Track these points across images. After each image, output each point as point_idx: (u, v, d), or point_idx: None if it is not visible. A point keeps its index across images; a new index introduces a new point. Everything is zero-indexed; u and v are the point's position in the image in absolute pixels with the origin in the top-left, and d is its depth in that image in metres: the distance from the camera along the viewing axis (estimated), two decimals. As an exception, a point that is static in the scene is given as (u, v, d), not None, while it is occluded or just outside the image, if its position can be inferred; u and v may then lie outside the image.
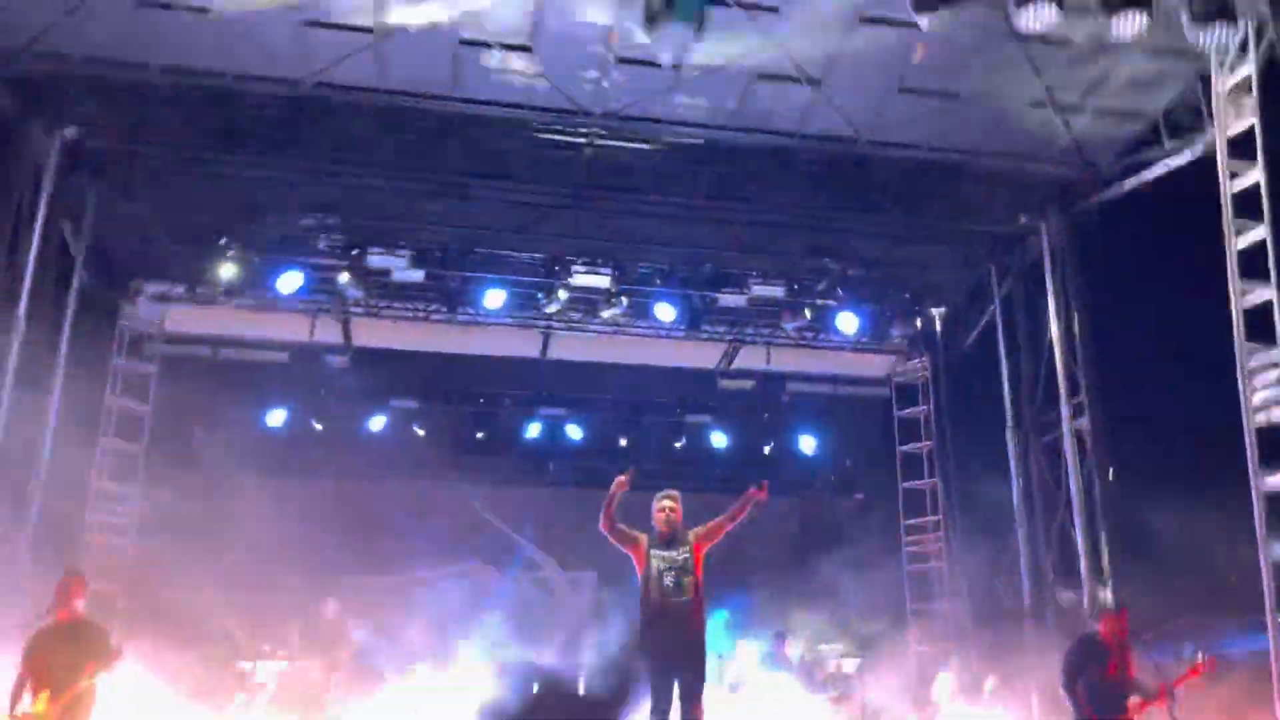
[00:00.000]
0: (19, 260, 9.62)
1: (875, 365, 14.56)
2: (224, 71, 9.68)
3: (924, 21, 7.85)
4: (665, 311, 12.27)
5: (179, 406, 13.06)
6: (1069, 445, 11.01)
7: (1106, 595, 10.27)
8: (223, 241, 11.29)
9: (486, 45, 9.35)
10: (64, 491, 10.40)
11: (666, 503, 6.79)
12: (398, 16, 9.00)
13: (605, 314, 12.30)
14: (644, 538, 6.68)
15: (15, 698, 6.90)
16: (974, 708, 10.49)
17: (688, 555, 6.60)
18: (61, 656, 6.88)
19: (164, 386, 12.80)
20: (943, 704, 10.71)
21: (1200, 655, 7.58)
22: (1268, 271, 8.37)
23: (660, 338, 13.15)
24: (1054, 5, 7.50)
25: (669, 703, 6.40)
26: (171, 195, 11.19)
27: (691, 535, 6.68)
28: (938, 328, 13.61)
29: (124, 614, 11.56)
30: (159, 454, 12.63)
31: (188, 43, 9.36)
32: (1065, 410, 11.16)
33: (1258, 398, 8.39)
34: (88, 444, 11.33)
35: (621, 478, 6.68)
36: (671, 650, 6.45)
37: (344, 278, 11.46)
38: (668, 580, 6.51)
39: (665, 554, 6.58)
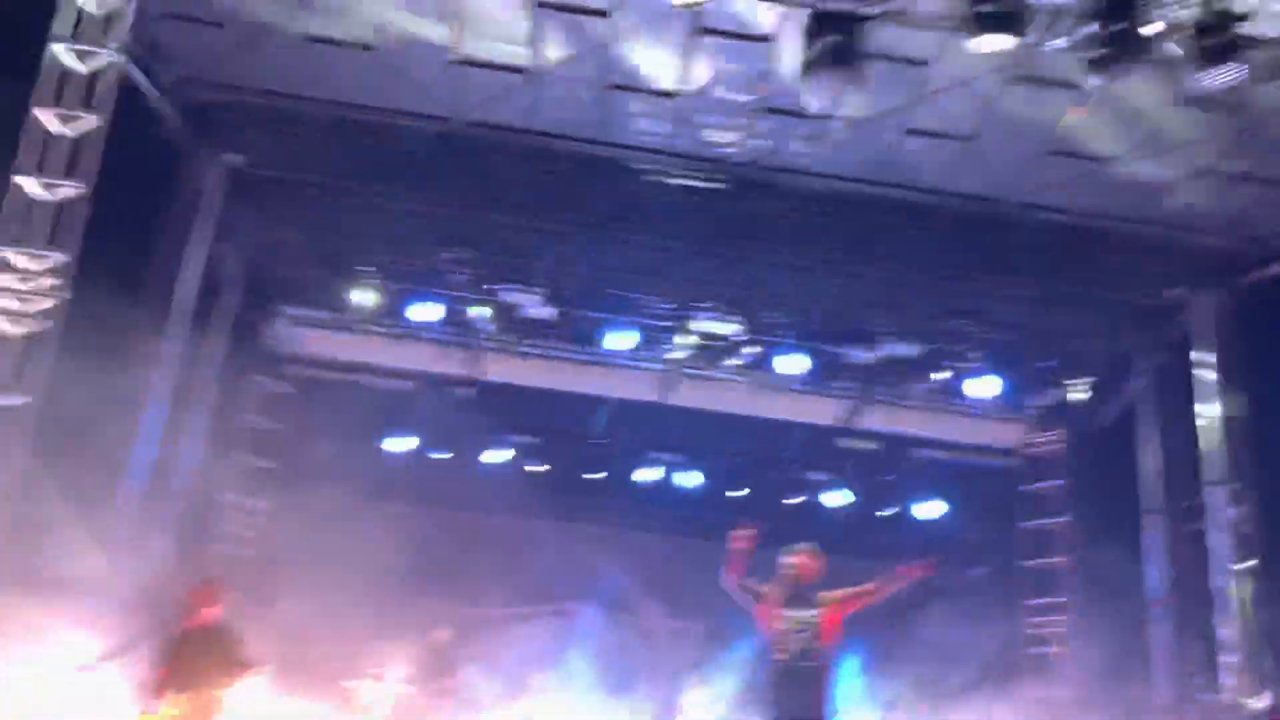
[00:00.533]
0: (182, 279, 10.13)
1: (1005, 435, 14.03)
2: (381, 106, 10.06)
3: (1091, 83, 7.60)
4: (791, 364, 12.10)
5: (310, 427, 13.48)
6: (1221, 533, 10.33)
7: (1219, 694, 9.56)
8: (365, 270, 11.66)
9: (634, 89, 9.48)
10: (199, 500, 10.79)
11: (797, 558, 6.52)
12: (550, 55, 9.21)
13: (730, 362, 12.20)
14: (771, 593, 6.43)
15: (149, 696, 7.10)
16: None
17: (816, 616, 6.34)
18: (196, 661, 7.05)
19: (297, 407, 13.23)
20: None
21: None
22: None
23: (784, 390, 12.96)
24: (1239, 65, 7.15)
25: None
26: (321, 224, 11.65)
27: (826, 597, 6.40)
28: (1076, 399, 13.02)
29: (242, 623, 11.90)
30: (285, 472, 13.02)
31: (349, 78, 9.78)
32: (1216, 497, 10.49)
33: None
34: (224, 457, 11.75)
35: (742, 532, 6.44)
36: (798, 713, 6.19)
37: (478, 311, 11.68)
38: (794, 643, 6.27)
39: (794, 614, 6.32)
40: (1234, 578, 10.15)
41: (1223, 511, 10.41)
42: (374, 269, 11.76)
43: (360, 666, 11.83)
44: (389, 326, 12.51)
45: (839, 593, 6.39)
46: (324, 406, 13.71)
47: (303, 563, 12.06)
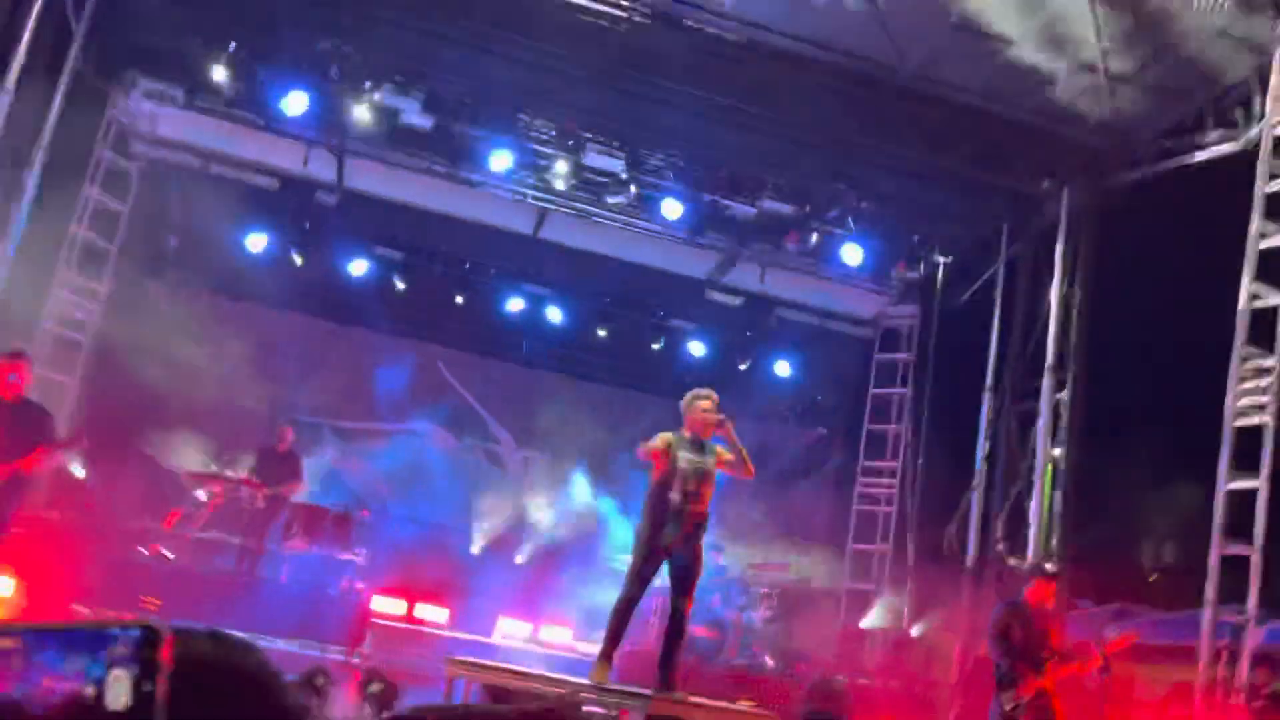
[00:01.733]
0: (16, 28, 9.11)
1: (866, 304, 14.43)
2: None
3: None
4: (672, 208, 11.98)
5: (158, 212, 12.67)
6: (1044, 415, 11.00)
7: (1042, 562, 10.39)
8: (232, 48, 10.76)
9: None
10: (30, 271, 10.06)
11: (707, 403, 6.39)
12: None
13: (611, 200, 11.98)
14: (669, 437, 6.37)
15: None
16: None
17: (714, 466, 6.38)
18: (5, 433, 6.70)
19: (144, 189, 12.39)
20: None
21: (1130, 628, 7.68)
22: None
23: (659, 236, 12.88)
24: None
25: (639, 596, 6.43)
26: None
27: (720, 452, 6.41)
28: (938, 276, 13.43)
29: (75, 408, 11.41)
30: (129, 256, 12.29)
31: None
32: (1047, 381, 11.12)
33: (1242, 400, 8.39)
34: (60, 230, 10.94)
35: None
36: (675, 545, 6.34)
37: (353, 112, 11.01)
38: (691, 485, 6.28)
39: (694, 458, 6.31)
40: (1048, 458, 10.87)
41: (1051, 395, 11.04)
42: (242, 47, 10.84)
43: (200, 462, 11.62)
44: (255, 114, 11.68)
45: (725, 454, 6.41)
46: (176, 192, 12.90)
47: (141, 350, 11.54)
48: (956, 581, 11.43)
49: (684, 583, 6.46)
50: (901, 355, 14.07)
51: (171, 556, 10.04)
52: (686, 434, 6.38)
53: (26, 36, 9.04)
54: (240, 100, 11.38)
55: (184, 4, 10.73)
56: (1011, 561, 10.63)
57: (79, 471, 10.62)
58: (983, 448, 11.96)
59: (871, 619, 11.60)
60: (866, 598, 12.93)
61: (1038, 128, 10.83)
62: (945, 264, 13.35)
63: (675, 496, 6.28)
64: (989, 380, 12.16)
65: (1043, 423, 11.01)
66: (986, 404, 12.09)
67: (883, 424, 13.98)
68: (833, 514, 14.27)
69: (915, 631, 10.94)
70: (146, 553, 10.04)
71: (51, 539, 8.51)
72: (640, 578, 6.46)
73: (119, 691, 0.83)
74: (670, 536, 6.34)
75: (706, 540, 11.87)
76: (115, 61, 11.29)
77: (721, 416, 6.37)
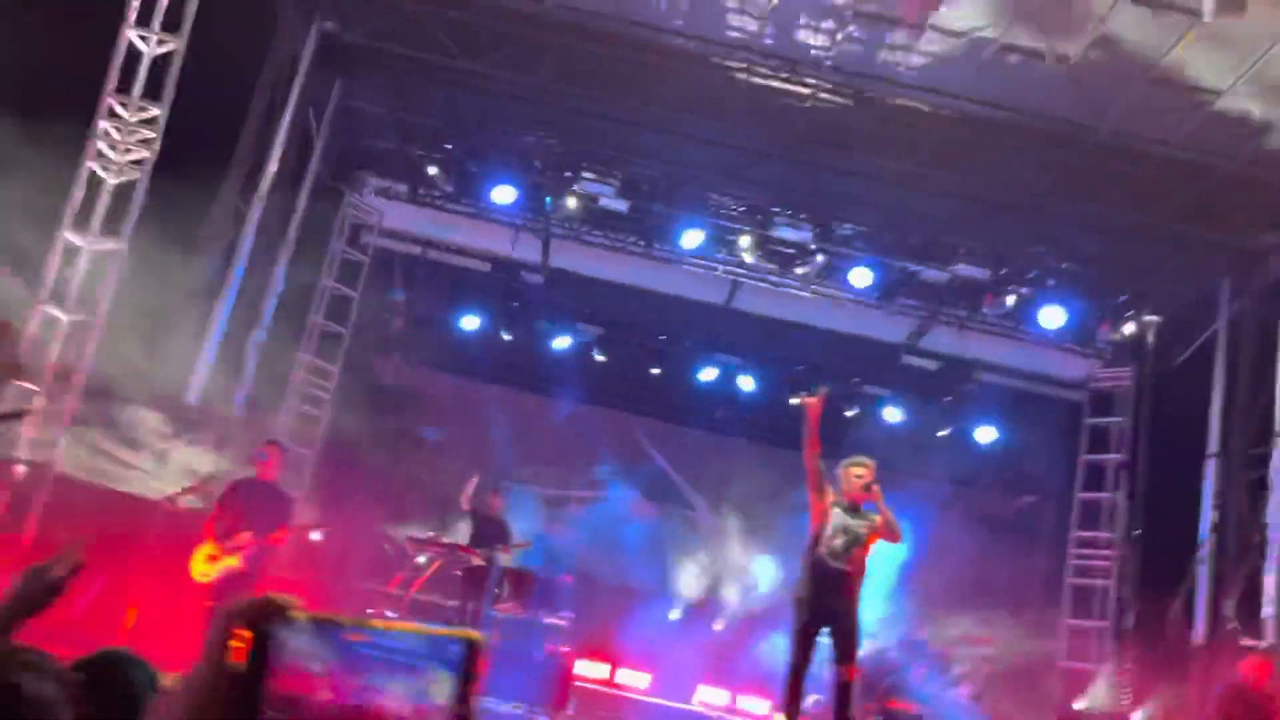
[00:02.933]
0: (268, 142, 10.41)
1: (1073, 367, 13.83)
2: (472, -17, 10.07)
3: (1209, 10, 7.27)
4: (861, 277, 12.02)
5: (384, 297, 13.90)
6: (1276, 484, 10.18)
7: (1262, 642, 9.55)
8: (448, 147, 11.80)
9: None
10: (277, 354, 11.27)
11: (860, 470, 6.52)
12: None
13: (799, 270, 12.17)
14: (831, 493, 6.54)
15: (216, 537, 7.65)
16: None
17: (864, 531, 6.45)
18: (254, 512, 7.57)
19: (372, 276, 13.62)
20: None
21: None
22: None
23: (853, 303, 12.90)
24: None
25: (807, 659, 6.41)
26: (408, 97, 11.78)
27: (878, 518, 6.45)
28: (1150, 337, 12.75)
29: (313, 478, 12.55)
30: (359, 339, 13.49)
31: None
32: (1278, 447, 10.30)
33: None
34: (301, 317, 12.20)
35: (811, 400, 6.47)
36: (824, 610, 6.40)
37: (556, 199, 11.80)
38: (838, 543, 6.42)
39: (845, 519, 6.44)
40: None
41: (1283, 461, 10.23)
42: (457, 146, 11.89)
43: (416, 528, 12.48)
44: (468, 206, 12.70)
45: (884, 520, 6.44)
46: (399, 278, 14.12)
47: (369, 423, 12.60)
48: (1183, 662, 10.64)
49: (843, 649, 6.36)
50: (1115, 419, 13.37)
51: (394, 616, 10.79)
52: (845, 499, 6.47)
53: (278, 150, 10.28)
54: (455, 192, 12.42)
55: (406, 110, 11.89)
56: (1246, 642, 9.81)
57: (316, 536, 11.65)
58: (1210, 517, 11.15)
59: (1087, 700, 10.94)
60: (1082, 676, 12.20)
61: (1254, 178, 10.24)
62: (1158, 324, 12.66)
63: (824, 555, 6.32)
64: (1214, 446, 11.37)
65: (1275, 491, 10.18)
66: (1211, 471, 11.30)
67: (1096, 491, 13.27)
68: (1044, 587, 13.60)
69: (1137, 717, 10.23)
70: (374, 613, 10.83)
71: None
72: (801, 642, 6.40)
73: (440, 693, 1.08)
74: (822, 598, 6.33)
75: (909, 610, 11.72)
76: (349, 164, 12.62)
77: (868, 481, 6.40)
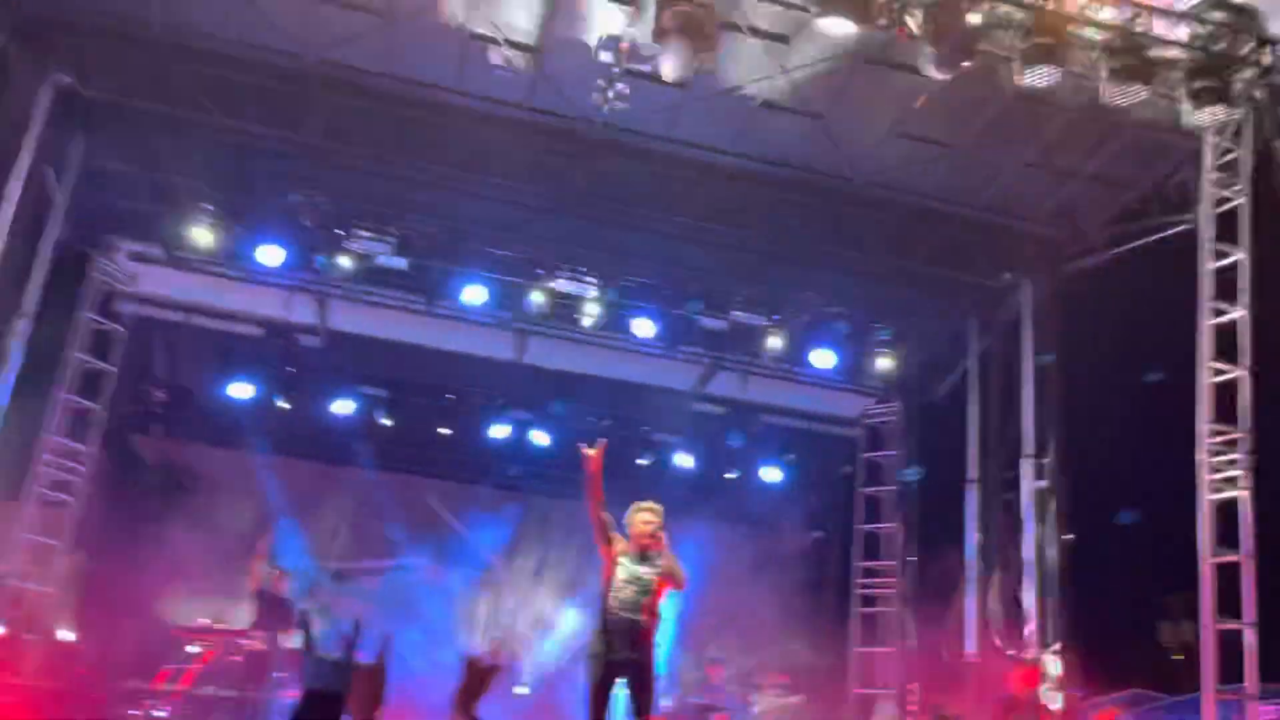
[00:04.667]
0: (1, 204, 9.47)
1: (848, 405, 14.58)
2: (227, 37, 9.61)
3: (934, 73, 7.90)
4: (644, 327, 12.23)
5: (143, 369, 12.90)
6: (1027, 503, 11.03)
7: (1024, 652, 10.29)
8: (209, 208, 11.14)
9: (495, 42, 9.32)
10: (15, 441, 10.20)
11: (647, 515, 6.38)
12: (411, 2, 8.98)
13: (585, 323, 12.24)
14: (620, 541, 6.41)
15: None
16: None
17: (654, 578, 6.34)
18: None
19: (130, 347, 12.63)
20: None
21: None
22: (1236, 352, 8.47)
23: (639, 353, 13.08)
24: (1057, 68, 7.58)
25: (603, 712, 6.27)
26: (160, 155, 11.05)
27: (664, 565, 6.34)
28: (914, 374, 13.62)
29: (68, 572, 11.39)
30: (116, 415, 12.44)
31: (193, 2, 9.31)
32: (1027, 469, 11.19)
33: (1216, 476, 8.46)
34: (44, 394, 11.12)
35: (590, 451, 6.37)
36: (618, 662, 6.29)
37: (329, 259, 11.35)
38: (627, 594, 6.32)
39: (634, 568, 6.32)
40: (1039, 545, 10.85)
41: (1033, 483, 11.10)
42: (218, 207, 11.23)
43: (191, 616, 11.56)
44: (234, 268, 12.01)
45: (672, 566, 6.35)
46: (161, 348, 13.17)
47: (130, 507, 11.60)
48: (962, 679, 11.27)
49: (640, 700, 6.22)
50: (889, 453, 14.15)
51: (162, 715, 9.90)
52: (634, 547, 6.39)
53: (8, 214, 9.37)
54: (219, 255, 11.69)
55: (159, 169, 11.15)
56: (1010, 653, 10.50)
57: (68, 636, 10.56)
58: (973, 540, 11.94)
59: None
60: (874, 701, 12.70)
61: (991, 223, 11.20)
62: (921, 361, 13.55)
63: (614, 606, 6.28)
64: (973, 472, 12.22)
65: (1028, 511, 11.03)
66: (973, 496, 12.12)
67: (876, 523, 13.96)
68: (835, 618, 14.12)
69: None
70: (138, 714, 9.90)
71: (40, 708, 8.41)
72: (598, 697, 6.21)
73: None
74: (615, 650, 6.23)
75: (706, 653, 11.80)
76: (96, 228, 11.68)
77: (655, 528, 6.34)
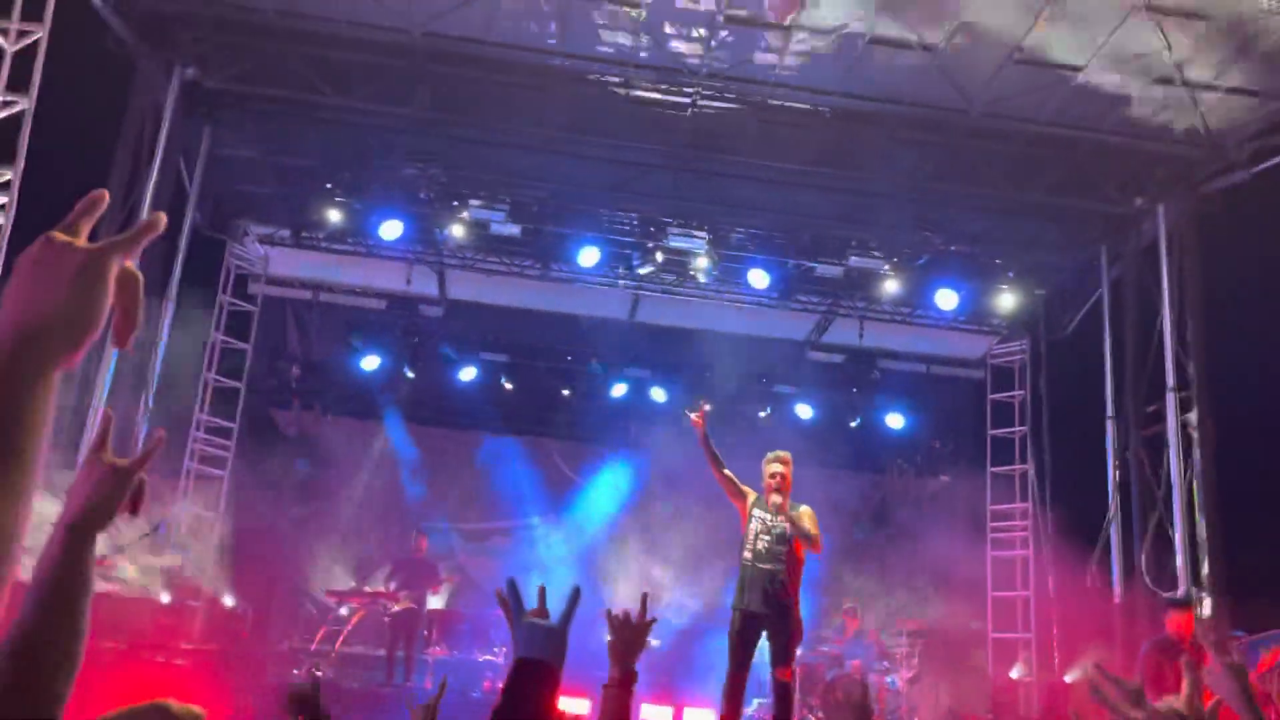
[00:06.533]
0: (137, 196, 9.96)
1: (972, 346, 14.20)
2: (336, 17, 9.82)
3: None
4: (759, 278, 12.11)
5: (277, 346, 13.47)
6: (1173, 440, 10.55)
7: (1177, 592, 9.88)
8: (328, 187, 11.50)
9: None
10: (168, 421, 10.78)
11: (776, 466, 6.37)
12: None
13: (699, 278, 12.20)
14: (751, 494, 6.44)
15: None
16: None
17: (788, 528, 6.29)
18: None
19: (263, 326, 13.18)
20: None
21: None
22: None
23: (752, 305, 12.99)
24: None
25: (743, 665, 6.32)
26: (281, 139, 11.45)
27: (796, 515, 6.27)
28: (1041, 310, 13.14)
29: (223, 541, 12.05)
30: (256, 391, 13.03)
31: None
32: (1171, 403, 10.70)
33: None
34: (193, 377, 11.71)
35: (694, 415, 6.39)
36: (759, 611, 6.32)
37: (446, 229, 11.59)
38: (762, 544, 6.33)
39: (767, 518, 6.35)
40: (1186, 482, 10.39)
41: (1178, 417, 10.61)
42: (338, 186, 11.58)
43: (337, 580, 12.11)
44: (356, 244, 12.39)
45: (805, 522, 6.30)
46: (290, 326, 13.70)
47: (275, 478, 12.15)
48: (1107, 620, 10.94)
49: (779, 650, 6.26)
50: (1015, 393, 13.73)
51: (322, 674, 10.41)
52: (765, 498, 6.37)
53: (147, 204, 9.85)
54: (341, 232, 12.09)
55: (280, 152, 11.54)
56: (1161, 594, 10.13)
57: (229, 602, 11.18)
58: (1113, 478, 11.51)
59: (1020, 668, 11.16)
60: (1014, 646, 12.46)
61: (1120, 147, 10.64)
62: (1046, 296, 13.06)
63: (750, 558, 6.26)
64: (1110, 408, 11.76)
65: (1173, 446, 10.56)
66: (1111, 433, 11.67)
67: (1007, 465, 13.61)
68: (967, 562, 13.86)
69: (1069, 678, 10.47)
70: (299, 674, 10.43)
71: (209, 670, 8.94)
72: (738, 648, 6.26)
73: None
74: (754, 601, 6.23)
75: (841, 602, 11.75)
76: (226, 212, 12.19)
77: (778, 481, 6.27)
